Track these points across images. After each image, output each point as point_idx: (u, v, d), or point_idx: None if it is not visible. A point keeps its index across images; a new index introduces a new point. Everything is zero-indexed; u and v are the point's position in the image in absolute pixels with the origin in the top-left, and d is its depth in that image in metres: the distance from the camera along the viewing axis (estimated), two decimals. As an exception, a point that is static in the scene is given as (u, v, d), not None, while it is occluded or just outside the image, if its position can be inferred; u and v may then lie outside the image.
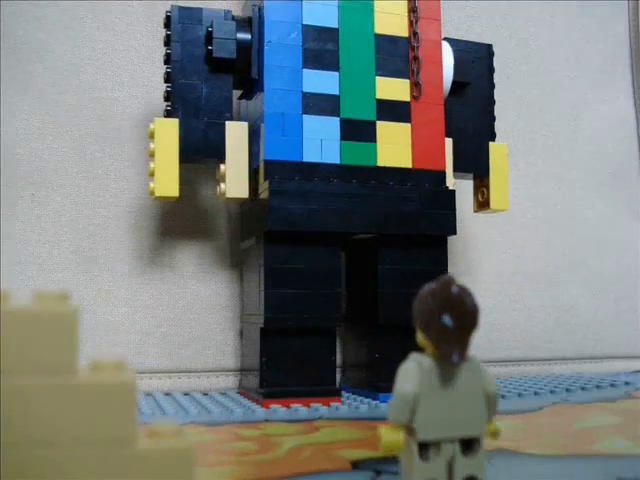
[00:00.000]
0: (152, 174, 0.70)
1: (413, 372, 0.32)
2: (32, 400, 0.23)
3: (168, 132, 0.70)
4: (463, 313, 0.31)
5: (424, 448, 0.33)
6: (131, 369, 0.25)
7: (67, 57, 0.82)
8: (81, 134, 0.82)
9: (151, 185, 0.70)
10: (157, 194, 0.70)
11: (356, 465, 0.43)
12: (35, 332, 0.23)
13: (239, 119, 0.78)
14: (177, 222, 0.83)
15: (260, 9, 0.72)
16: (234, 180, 0.71)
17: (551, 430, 0.55)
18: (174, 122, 0.70)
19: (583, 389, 0.77)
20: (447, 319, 0.31)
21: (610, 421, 0.58)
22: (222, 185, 0.72)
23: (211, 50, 0.70)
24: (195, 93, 0.71)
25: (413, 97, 0.74)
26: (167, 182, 0.70)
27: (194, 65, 0.71)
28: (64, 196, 0.80)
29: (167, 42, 0.71)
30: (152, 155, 0.70)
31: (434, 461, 0.33)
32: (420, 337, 0.32)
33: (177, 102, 0.71)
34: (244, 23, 0.72)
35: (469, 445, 0.33)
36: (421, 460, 0.32)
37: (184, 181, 0.73)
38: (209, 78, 0.72)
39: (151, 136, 0.70)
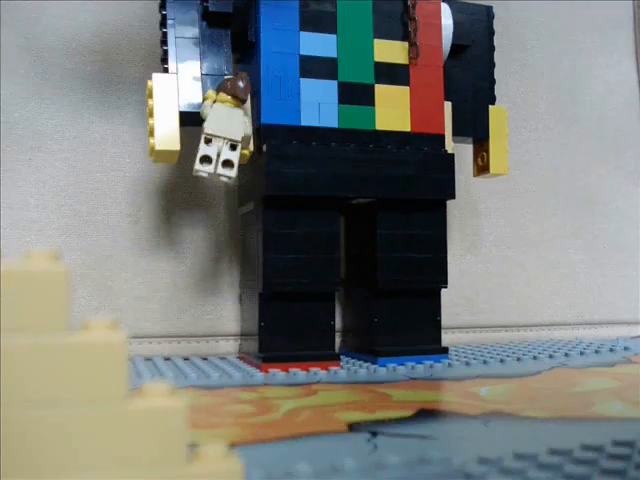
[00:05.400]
0: (152, 132, 0.67)
1: (209, 108, 0.64)
2: (20, 359, 0.22)
3: (167, 86, 0.67)
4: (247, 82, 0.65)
5: (208, 140, 0.63)
6: (123, 329, 0.25)
7: (64, 20, 0.81)
8: (78, 98, 0.81)
9: (151, 141, 0.67)
10: (157, 148, 0.66)
11: (352, 427, 0.43)
12: (23, 291, 0.23)
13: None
14: (176, 187, 0.82)
15: (257, -29, 0.70)
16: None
17: (549, 394, 0.55)
18: (172, 77, 0.68)
19: (582, 354, 0.77)
20: (240, 83, 0.64)
21: (608, 385, 0.58)
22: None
23: (207, 7, 0.69)
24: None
25: (410, 58, 0.73)
26: (167, 135, 0.66)
27: (191, 25, 0.70)
28: (62, 161, 0.80)
29: (163, 4, 0.70)
30: (151, 112, 0.67)
31: (210, 146, 0.63)
32: (224, 97, 0.64)
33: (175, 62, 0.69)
34: (241, -16, 0.71)
35: (235, 148, 0.63)
36: (205, 145, 0.63)
37: (182, 145, 0.72)
38: (206, 36, 0.70)
39: (149, 95, 0.68)
